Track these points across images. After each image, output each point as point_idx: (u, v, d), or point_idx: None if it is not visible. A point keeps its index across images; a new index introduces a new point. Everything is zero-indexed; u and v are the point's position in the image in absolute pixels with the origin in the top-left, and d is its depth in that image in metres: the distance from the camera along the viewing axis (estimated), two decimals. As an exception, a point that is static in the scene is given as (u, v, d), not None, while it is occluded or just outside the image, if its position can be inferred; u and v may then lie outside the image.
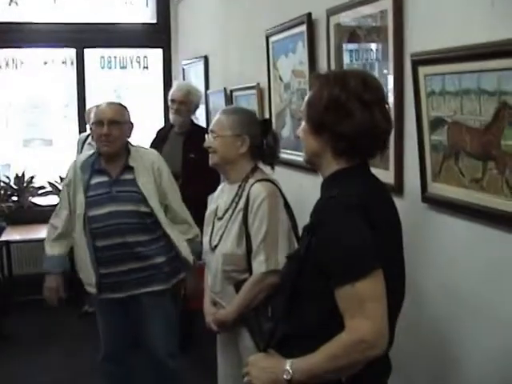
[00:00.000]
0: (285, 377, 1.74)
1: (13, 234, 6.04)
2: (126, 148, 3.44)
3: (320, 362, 1.72)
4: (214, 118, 2.88)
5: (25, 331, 5.46)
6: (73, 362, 4.75)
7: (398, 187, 2.49)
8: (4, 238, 5.92)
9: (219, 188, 2.95)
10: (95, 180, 3.38)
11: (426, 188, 2.30)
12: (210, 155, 2.82)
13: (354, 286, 1.67)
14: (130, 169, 3.39)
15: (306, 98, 1.91)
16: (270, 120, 2.99)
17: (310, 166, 2.09)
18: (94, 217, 3.32)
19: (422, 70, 2.22)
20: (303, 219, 2.00)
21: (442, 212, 2.25)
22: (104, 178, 3.39)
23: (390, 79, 2.49)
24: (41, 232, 4.63)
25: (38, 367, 4.74)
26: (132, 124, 3.49)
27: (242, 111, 2.92)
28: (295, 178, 3.51)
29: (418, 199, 2.36)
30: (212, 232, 2.82)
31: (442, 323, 2.32)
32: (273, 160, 2.88)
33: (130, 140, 3.49)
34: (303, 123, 1.93)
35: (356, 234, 1.72)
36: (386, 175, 2.54)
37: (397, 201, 2.42)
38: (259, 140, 2.79)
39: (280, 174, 3.71)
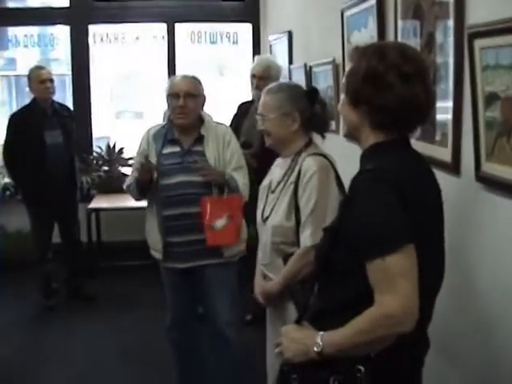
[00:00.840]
0: (315, 349, 1.75)
1: (102, 202, 6.28)
2: (200, 119, 3.49)
3: (349, 336, 1.71)
4: (260, 100, 2.85)
5: (107, 294, 5.70)
6: (145, 326, 4.94)
7: (455, 166, 2.41)
8: (93, 205, 6.17)
9: (275, 163, 2.94)
10: (167, 150, 3.45)
11: (480, 167, 2.21)
12: (265, 138, 2.81)
13: (385, 260, 1.65)
14: (201, 140, 3.44)
15: (346, 71, 1.89)
16: (315, 88, 2.93)
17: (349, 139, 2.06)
18: (165, 186, 3.39)
19: (478, 43, 2.13)
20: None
21: (495, 192, 2.16)
22: (176, 149, 3.45)
23: (451, 54, 2.41)
24: (127, 201, 4.78)
25: (113, 329, 5.00)
26: (205, 97, 3.52)
27: (285, 87, 2.83)
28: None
29: (472, 178, 2.28)
30: (265, 205, 2.83)
31: (494, 304, 2.22)
32: (323, 128, 2.83)
33: (205, 113, 3.54)
34: (342, 96, 1.90)
35: (388, 208, 1.69)
36: (443, 153, 2.48)
37: (453, 180, 2.40)
38: (308, 112, 2.74)
39: (349, 150, 3.68)
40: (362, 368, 1.73)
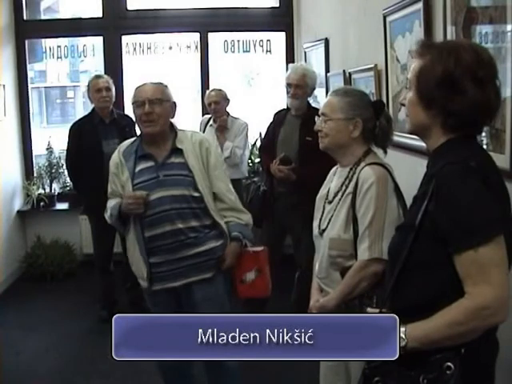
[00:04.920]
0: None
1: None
2: (172, 130, 3.31)
3: (438, 329, 1.69)
4: (325, 100, 2.78)
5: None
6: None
7: (514, 173, 2.34)
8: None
9: (331, 171, 2.86)
10: (140, 166, 3.25)
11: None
12: (320, 139, 2.73)
13: (477, 251, 1.64)
14: (178, 151, 3.25)
15: (416, 68, 1.84)
16: (382, 101, 2.87)
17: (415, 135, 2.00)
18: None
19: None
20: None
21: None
22: (150, 163, 3.24)
23: (509, 59, 2.33)
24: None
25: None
26: (175, 103, 3.32)
27: (354, 93, 2.78)
28: (411, 162, 3.38)
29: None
30: (322, 216, 2.74)
31: None
32: (385, 143, 2.75)
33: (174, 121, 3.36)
34: (411, 93, 1.86)
35: (479, 199, 1.68)
36: (500, 160, 2.39)
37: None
38: (372, 123, 2.67)
39: (396, 157, 3.61)
40: (452, 365, 1.68)
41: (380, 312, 1.85)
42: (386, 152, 2.78)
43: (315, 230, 2.78)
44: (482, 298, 1.63)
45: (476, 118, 1.78)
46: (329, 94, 2.81)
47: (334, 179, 2.78)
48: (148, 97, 3.19)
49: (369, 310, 1.94)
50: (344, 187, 2.65)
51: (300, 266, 4.74)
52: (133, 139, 3.40)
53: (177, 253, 3.22)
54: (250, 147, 6.32)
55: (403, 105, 1.93)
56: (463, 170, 1.70)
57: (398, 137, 3.58)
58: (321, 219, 2.74)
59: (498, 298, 1.63)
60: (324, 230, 2.69)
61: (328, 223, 2.67)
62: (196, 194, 3.22)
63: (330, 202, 2.71)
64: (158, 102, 3.19)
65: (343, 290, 2.57)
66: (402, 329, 1.71)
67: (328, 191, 2.77)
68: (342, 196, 2.64)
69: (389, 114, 2.84)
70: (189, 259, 3.24)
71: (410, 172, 3.18)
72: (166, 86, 3.32)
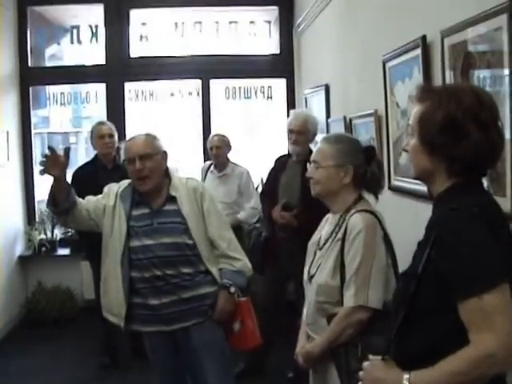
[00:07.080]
0: None
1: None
2: (167, 176, 3.34)
3: (442, 377, 1.64)
4: (316, 147, 2.79)
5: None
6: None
7: (516, 216, 2.33)
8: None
9: (324, 218, 2.85)
10: (137, 211, 3.28)
11: (544, 217, 2.14)
12: (312, 186, 2.74)
13: (481, 298, 1.60)
14: (172, 198, 3.27)
15: (417, 114, 1.83)
16: (373, 147, 2.88)
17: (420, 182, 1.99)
18: (135, 248, 3.22)
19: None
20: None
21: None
22: (145, 210, 3.28)
23: (507, 104, 2.35)
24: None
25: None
26: (166, 153, 3.35)
27: (345, 139, 2.80)
28: (413, 207, 3.38)
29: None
30: (312, 262, 2.74)
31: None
32: (377, 189, 2.75)
33: (172, 168, 3.42)
34: (414, 140, 1.85)
35: (481, 245, 1.64)
36: (501, 202, 2.39)
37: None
38: (363, 169, 2.67)
39: (397, 202, 3.62)
40: None
41: (382, 359, 1.82)
42: (377, 198, 2.78)
43: (305, 276, 2.77)
44: (484, 346, 1.58)
45: (481, 161, 1.76)
46: (320, 141, 2.82)
47: (325, 226, 2.77)
48: (138, 152, 3.20)
49: (371, 357, 1.91)
50: (334, 234, 2.64)
51: (301, 314, 4.70)
52: (127, 181, 3.39)
53: (166, 297, 3.22)
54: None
55: (406, 151, 1.93)
56: (465, 215, 1.67)
57: (400, 181, 3.60)
58: (311, 265, 2.73)
59: (504, 345, 1.57)
60: (312, 276, 2.67)
61: (317, 269, 2.66)
62: (190, 242, 3.23)
63: (321, 249, 2.70)
64: (149, 157, 3.21)
65: (329, 336, 2.54)
66: (406, 376, 1.67)
67: (320, 238, 2.76)
68: (331, 242, 2.63)
69: (380, 160, 2.85)
70: (180, 304, 3.22)
71: (412, 217, 3.18)
72: (155, 137, 3.33)
